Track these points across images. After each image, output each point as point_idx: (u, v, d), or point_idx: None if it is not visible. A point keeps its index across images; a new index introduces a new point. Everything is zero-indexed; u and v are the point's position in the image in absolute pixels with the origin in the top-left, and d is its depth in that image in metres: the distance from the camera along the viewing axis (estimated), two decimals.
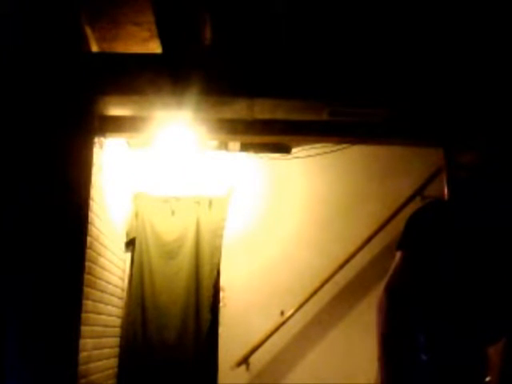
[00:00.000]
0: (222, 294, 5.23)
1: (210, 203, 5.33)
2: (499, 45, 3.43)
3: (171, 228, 5.30)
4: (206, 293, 5.16)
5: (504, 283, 1.89)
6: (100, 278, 4.21)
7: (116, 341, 5.01)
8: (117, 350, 5.03)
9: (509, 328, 1.89)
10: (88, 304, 3.85)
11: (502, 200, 1.93)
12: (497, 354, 1.87)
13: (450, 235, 1.91)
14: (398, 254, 1.97)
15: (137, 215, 5.32)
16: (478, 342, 1.87)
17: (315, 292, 5.15)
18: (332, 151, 5.18)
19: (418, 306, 1.94)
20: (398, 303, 1.93)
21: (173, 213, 5.32)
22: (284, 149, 5.28)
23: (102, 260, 4.24)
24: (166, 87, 3.41)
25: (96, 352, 4.21)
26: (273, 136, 4.39)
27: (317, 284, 5.16)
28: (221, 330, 5.15)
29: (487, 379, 1.87)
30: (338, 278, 5.21)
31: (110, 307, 4.64)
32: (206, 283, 5.18)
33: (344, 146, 5.02)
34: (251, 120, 3.91)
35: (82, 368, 3.71)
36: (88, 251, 3.73)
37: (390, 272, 1.97)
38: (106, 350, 4.62)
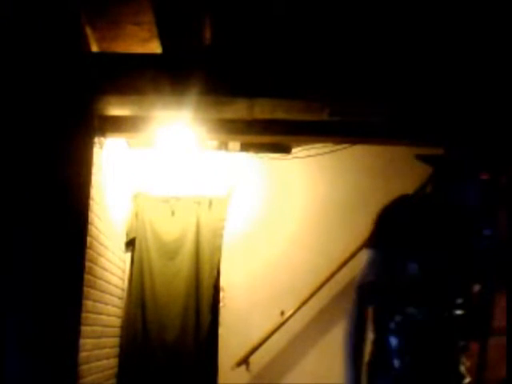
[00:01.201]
0: (222, 294, 5.23)
1: (210, 203, 5.33)
2: (499, 44, 3.43)
3: (171, 228, 5.30)
4: (206, 293, 5.16)
5: (468, 274, 1.88)
6: (100, 278, 4.21)
7: (116, 341, 5.01)
8: (117, 349, 5.03)
9: (479, 323, 1.89)
10: (88, 304, 3.85)
11: (469, 197, 1.90)
12: (474, 356, 1.87)
13: (417, 231, 1.90)
14: (367, 253, 1.96)
15: (137, 215, 5.32)
16: (452, 340, 1.85)
17: (315, 292, 5.15)
18: (332, 151, 5.18)
19: (388, 305, 1.93)
20: (363, 304, 1.94)
21: (173, 213, 5.32)
22: (284, 149, 5.28)
23: (102, 260, 4.24)
24: (166, 87, 3.41)
25: (96, 352, 4.21)
26: (273, 136, 4.38)
27: (317, 284, 5.16)
28: (221, 330, 5.15)
29: (467, 381, 1.85)
30: (338, 277, 5.21)
31: (110, 307, 4.64)
32: (206, 283, 5.18)
33: (344, 145, 5.03)
34: (251, 120, 3.91)
35: (82, 368, 3.71)
36: (88, 251, 3.73)
37: (360, 272, 1.97)
38: (106, 350, 4.62)
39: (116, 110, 3.70)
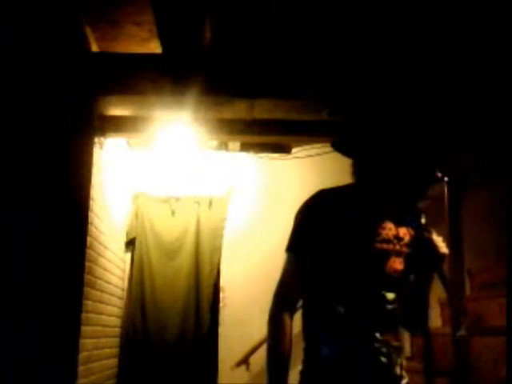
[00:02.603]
0: (221, 294, 5.24)
1: (210, 203, 5.33)
2: (494, 45, 3.43)
3: (171, 228, 5.30)
4: (206, 293, 5.16)
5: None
6: (100, 278, 4.21)
7: (116, 341, 5.01)
8: (117, 350, 5.03)
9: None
10: (88, 304, 3.85)
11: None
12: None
13: (336, 226, 1.80)
14: (285, 257, 1.90)
15: (137, 215, 5.32)
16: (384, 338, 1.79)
17: None
18: (332, 151, 5.16)
19: (314, 306, 1.90)
20: (281, 310, 1.91)
21: (173, 213, 5.32)
22: (284, 149, 5.28)
23: (102, 260, 4.24)
24: (166, 87, 3.41)
25: (96, 352, 4.21)
26: (272, 136, 4.39)
27: None
28: (221, 329, 5.15)
29: (405, 382, 1.80)
30: None
31: (110, 307, 4.64)
32: (206, 283, 5.18)
33: None
34: (251, 120, 3.91)
35: (82, 368, 3.71)
36: (88, 251, 3.73)
37: (279, 277, 1.93)
38: (106, 350, 4.62)
39: (116, 110, 3.71)
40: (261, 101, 3.53)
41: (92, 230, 3.87)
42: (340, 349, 1.77)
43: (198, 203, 5.33)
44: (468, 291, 4.60)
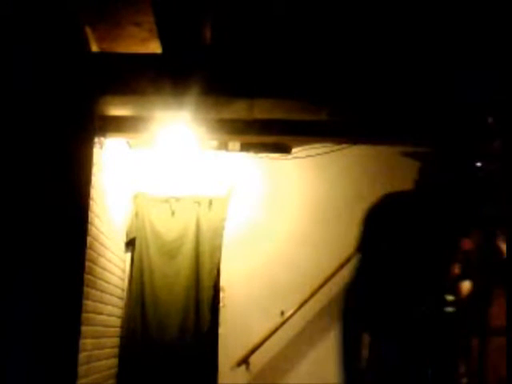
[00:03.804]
0: (222, 295, 5.24)
1: (210, 203, 5.33)
2: (493, 45, 3.43)
3: (171, 228, 5.30)
4: (206, 293, 5.16)
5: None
6: (100, 278, 4.21)
7: (116, 341, 5.01)
8: (117, 350, 5.03)
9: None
10: (88, 304, 3.85)
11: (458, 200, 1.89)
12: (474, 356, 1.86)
13: (403, 232, 1.87)
14: (358, 256, 1.96)
15: (137, 215, 5.32)
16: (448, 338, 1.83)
17: (315, 292, 5.15)
18: (332, 151, 5.18)
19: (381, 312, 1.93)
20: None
21: (173, 213, 5.32)
22: (284, 149, 5.28)
23: (102, 260, 4.24)
24: (166, 87, 3.41)
25: (96, 352, 4.21)
26: (272, 136, 4.39)
27: (317, 284, 5.16)
28: (221, 329, 5.15)
29: (464, 381, 1.84)
30: (338, 277, 5.20)
31: (110, 307, 4.64)
32: (206, 283, 5.18)
33: (344, 145, 5.03)
34: (251, 120, 3.91)
35: (82, 368, 3.71)
36: (88, 251, 3.73)
37: (351, 275, 1.97)
38: (106, 350, 4.62)
39: (116, 110, 3.70)
40: (261, 101, 3.53)
41: (92, 230, 3.87)
42: (400, 349, 1.79)
43: (198, 203, 5.33)
44: None
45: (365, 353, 1.90)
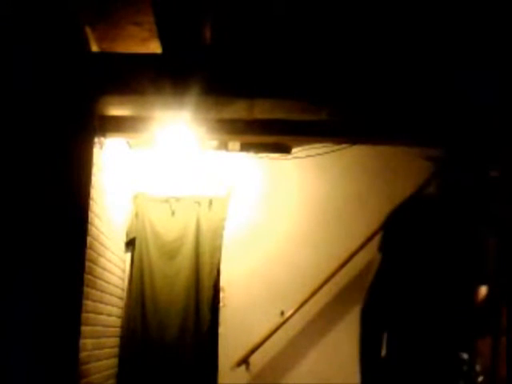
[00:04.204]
0: (221, 295, 5.24)
1: (210, 203, 5.33)
2: (496, 44, 3.43)
3: (171, 228, 5.30)
4: (206, 293, 5.16)
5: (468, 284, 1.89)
6: (100, 278, 4.21)
7: (116, 341, 5.01)
8: (117, 349, 5.03)
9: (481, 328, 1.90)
10: (88, 304, 3.85)
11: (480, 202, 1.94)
12: (487, 355, 1.88)
13: (426, 235, 1.92)
14: (379, 257, 2.00)
15: (137, 215, 5.32)
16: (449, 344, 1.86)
17: (315, 292, 5.15)
18: (332, 151, 5.18)
19: (395, 308, 1.95)
20: (374, 304, 1.96)
21: (173, 213, 5.32)
22: (284, 149, 5.28)
23: (102, 260, 4.24)
24: (166, 87, 3.41)
25: (96, 352, 4.21)
26: (273, 136, 4.39)
27: (317, 284, 5.16)
28: (221, 330, 5.15)
29: (480, 379, 1.87)
30: (338, 277, 5.21)
31: (109, 307, 4.64)
32: (206, 283, 5.18)
33: (344, 145, 5.03)
34: (251, 120, 3.91)
35: (82, 368, 3.71)
36: (88, 251, 3.73)
37: (373, 274, 2.00)
38: (106, 350, 4.62)
39: (116, 110, 3.70)
40: (261, 101, 3.53)
41: (92, 230, 3.87)
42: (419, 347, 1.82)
43: (198, 203, 5.33)
44: None
45: (382, 352, 1.94)
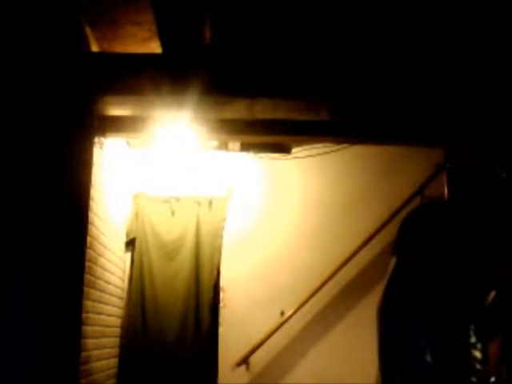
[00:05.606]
0: (222, 295, 5.23)
1: (210, 203, 5.33)
2: (499, 44, 3.43)
3: (171, 228, 5.29)
4: (206, 293, 5.16)
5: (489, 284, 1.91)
6: (100, 278, 4.21)
7: (116, 341, 5.01)
8: (117, 350, 5.03)
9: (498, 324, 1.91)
10: (88, 304, 3.85)
11: (496, 206, 1.95)
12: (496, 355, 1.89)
13: (442, 239, 1.94)
14: (393, 260, 2.01)
15: (137, 215, 5.32)
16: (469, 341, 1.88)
17: (315, 292, 5.15)
18: (332, 151, 5.18)
19: (415, 309, 1.96)
20: (393, 307, 1.97)
21: (173, 213, 5.32)
22: (284, 149, 5.28)
23: (102, 260, 4.24)
24: (166, 87, 3.41)
25: (96, 352, 4.21)
26: (273, 136, 4.38)
27: (317, 284, 5.16)
28: (221, 330, 5.15)
29: (492, 380, 1.88)
30: (338, 277, 5.21)
31: (109, 307, 4.64)
32: (206, 283, 5.18)
33: (344, 145, 5.03)
34: (251, 120, 3.91)
35: (82, 368, 3.71)
36: (88, 251, 3.73)
37: (387, 277, 2.01)
38: (106, 350, 4.62)
39: (116, 110, 3.70)
40: (261, 100, 3.53)
41: (92, 230, 3.87)
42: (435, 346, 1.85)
43: (198, 203, 5.33)
44: None
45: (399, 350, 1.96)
